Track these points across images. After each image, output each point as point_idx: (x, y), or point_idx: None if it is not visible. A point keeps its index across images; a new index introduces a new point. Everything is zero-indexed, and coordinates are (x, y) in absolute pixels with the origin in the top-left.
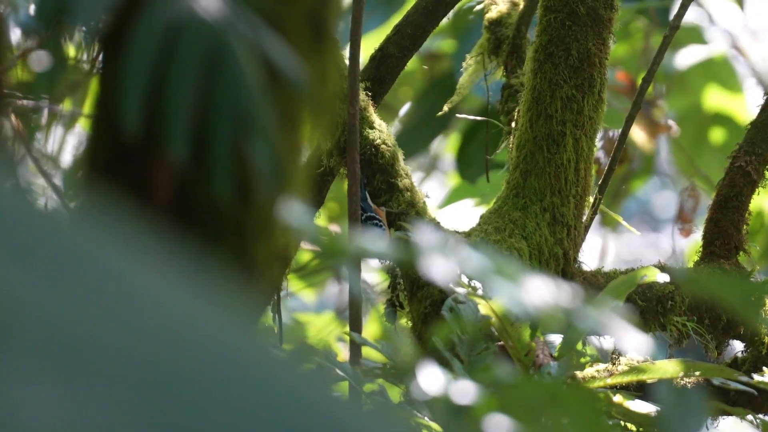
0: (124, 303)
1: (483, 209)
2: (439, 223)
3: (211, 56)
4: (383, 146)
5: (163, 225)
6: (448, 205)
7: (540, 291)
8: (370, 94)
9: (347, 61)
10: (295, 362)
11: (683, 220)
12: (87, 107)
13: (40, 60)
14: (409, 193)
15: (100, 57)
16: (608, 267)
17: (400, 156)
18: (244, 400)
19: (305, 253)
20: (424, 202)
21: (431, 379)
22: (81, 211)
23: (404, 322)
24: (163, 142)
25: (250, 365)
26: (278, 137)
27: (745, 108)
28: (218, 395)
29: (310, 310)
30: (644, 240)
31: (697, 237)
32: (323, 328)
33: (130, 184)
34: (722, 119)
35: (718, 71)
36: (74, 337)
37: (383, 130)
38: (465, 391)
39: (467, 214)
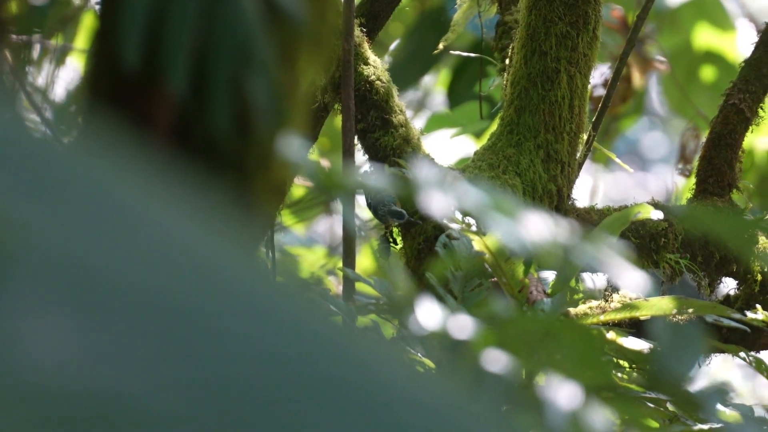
0: (130, 232)
1: (463, 140)
2: (434, 159)
3: None
4: (378, 82)
5: (163, 157)
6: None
7: (537, 227)
8: (364, 30)
9: None
10: (296, 293)
11: (685, 161)
12: (79, 42)
13: None
14: (403, 129)
15: None
16: (599, 205)
17: (395, 92)
18: (251, 330)
19: (297, 188)
20: (419, 138)
21: (428, 314)
22: (81, 141)
23: (398, 257)
24: (163, 74)
25: (255, 294)
26: (277, 72)
27: (735, 46)
28: (226, 324)
29: (301, 244)
30: (633, 179)
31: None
32: (315, 262)
33: (129, 116)
34: (713, 57)
35: (709, 9)
36: (80, 266)
37: (378, 66)
38: (463, 326)
39: (446, 144)
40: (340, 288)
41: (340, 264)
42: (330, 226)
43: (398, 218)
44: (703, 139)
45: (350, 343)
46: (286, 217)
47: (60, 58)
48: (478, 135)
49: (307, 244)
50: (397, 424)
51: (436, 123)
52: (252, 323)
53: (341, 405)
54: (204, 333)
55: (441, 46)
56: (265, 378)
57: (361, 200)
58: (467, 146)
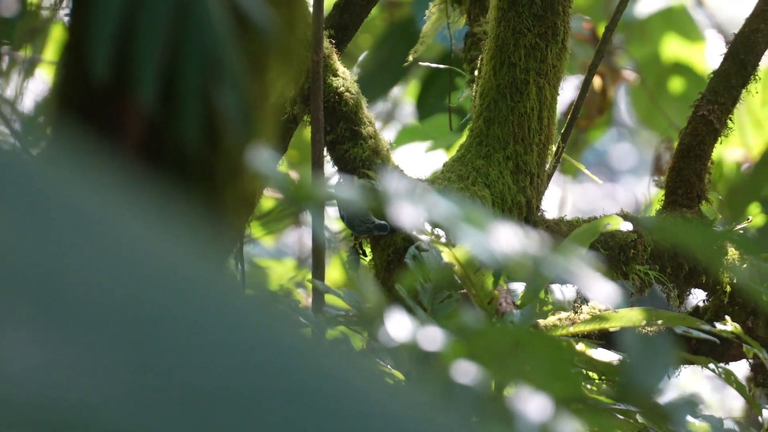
0: (99, 243)
1: (434, 153)
2: (403, 170)
3: (181, 1)
4: (347, 94)
5: (132, 168)
6: (396, 148)
7: (507, 238)
8: (333, 41)
9: (311, 8)
10: (266, 304)
11: (659, 172)
12: (48, 53)
13: (8, 6)
14: (372, 141)
15: (68, 1)
16: (568, 216)
17: (364, 104)
18: (222, 340)
19: (266, 200)
20: (388, 150)
21: (398, 325)
22: (49, 152)
23: (367, 269)
24: (132, 86)
25: (226, 305)
26: (246, 83)
27: (704, 58)
28: (198, 335)
29: (271, 256)
30: (601, 190)
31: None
32: (284, 275)
33: (98, 127)
34: (682, 69)
35: (678, 20)
36: (47, 276)
37: (347, 78)
38: (432, 338)
39: (417, 157)
40: (310, 300)
41: (310, 276)
42: (299, 238)
43: (382, 231)
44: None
45: (321, 354)
46: (255, 229)
47: (29, 69)
48: (448, 147)
49: (277, 256)
50: None
51: (406, 136)
52: (222, 334)
53: (312, 416)
54: (174, 343)
55: (410, 57)
56: (236, 389)
57: (332, 212)
58: (437, 158)
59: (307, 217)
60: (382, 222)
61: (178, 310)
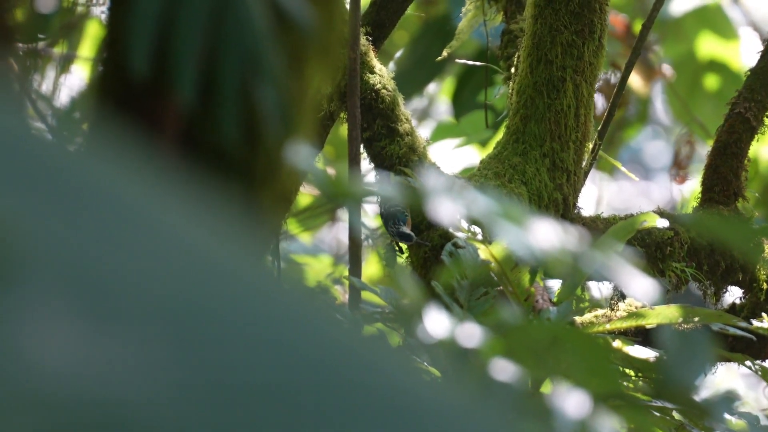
0: (140, 237)
1: (468, 149)
2: (440, 167)
3: None
4: (383, 91)
5: (172, 164)
6: (431, 144)
7: (546, 234)
8: (370, 38)
9: (348, 5)
10: (306, 299)
11: (679, 167)
12: (84, 49)
13: (44, 2)
14: (409, 138)
15: None
16: (604, 214)
17: (401, 101)
18: (263, 335)
19: (303, 197)
20: (425, 147)
21: (436, 322)
22: (88, 147)
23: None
24: (171, 83)
25: (267, 300)
26: (285, 80)
27: (739, 55)
28: (237, 330)
29: (307, 253)
30: (636, 188)
31: (691, 184)
32: (321, 271)
33: (137, 124)
34: (716, 66)
35: (713, 18)
36: (88, 271)
37: (383, 75)
38: (470, 335)
39: (451, 154)
40: (346, 297)
41: (346, 273)
42: (336, 234)
43: (407, 240)
44: (698, 145)
45: (362, 349)
46: (292, 226)
47: (64, 65)
48: (483, 144)
49: (313, 252)
50: (411, 430)
51: (442, 133)
52: (264, 329)
53: (355, 411)
54: (216, 339)
55: (445, 53)
56: (278, 384)
57: (372, 208)
58: (471, 155)
59: (344, 213)
60: (408, 232)
61: (220, 305)
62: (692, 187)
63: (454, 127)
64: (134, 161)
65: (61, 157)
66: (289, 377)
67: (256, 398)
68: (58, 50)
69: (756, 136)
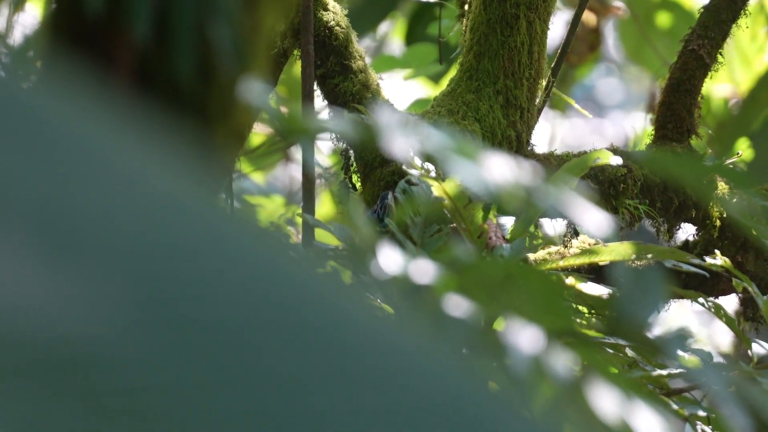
0: (97, 173)
1: (412, 83)
2: (393, 104)
3: None
4: (337, 28)
5: (126, 100)
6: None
7: (500, 169)
8: None
9: None
10: (261, 235)
11: (653, 110)
12: None
13: None
14: (362, 75)
15: None
16: (558, 151)
17: (354, 38)
18: (221, 271)
19: (255, 136)
20: (378, 84)
21: (390, 259)
22: (42, 84)
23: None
24: (126, 20)
25: (224, 236)
26: (240, 17)
27: None
28: (195, 266)
29: (260, 192)
30: (589, 126)
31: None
32: (274, 211)
33: (91, 61)
34: (669, 4)
35: None
36: (46, 208)
37: (337, 12)
38: (424, 271)
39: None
40: (299, 238)
41: (299, 212)
42: (289, 174)
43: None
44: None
45: (317, 285)
46: (244, 165)
47: (18, 3)
48: (433, 79)
49: (266, 192)
50: (368, 367)
51: (384, 64)
52: (220, 265)
53: (309, 347)
54: (173, 275)
55: None
56: (235, 321)
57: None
58: (418, 89)
59: (297, 152)
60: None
61: (178, 242)
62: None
63: (397, 59)
64: (89, 98)
65: (15, 95)
66: (245, 314)
67: (213, 334)
68: None
69: (709, 73)
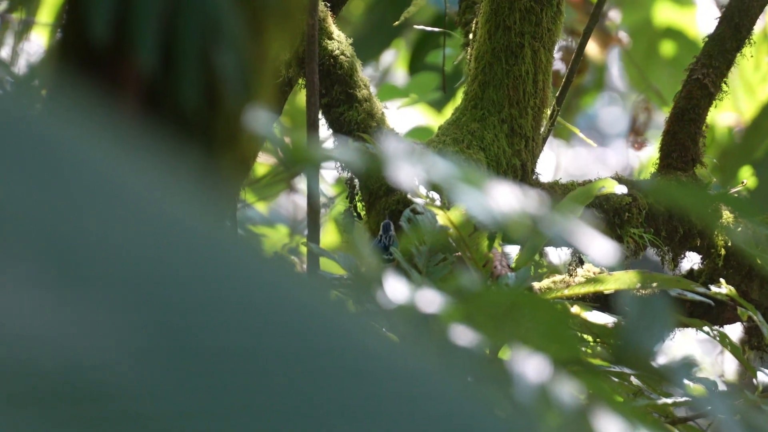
0: (104, 200)
1: (414, 111)
2: (398, 133)
3: None
4: (342, 57)
5: (132, 128)
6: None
7: (506, 197)
8: (328, 4)
9: None
10: (274, 263)
11: (636, 133)
12: (42, 16)
13: None
14: (367, 104)
15: None
16: (562, 180)
17: (359, 67)
18: (232, 299)
19: (259, 166)
20: (383, 113)
21: (395, 288)
22: (48, 112)
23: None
24: (132, 47)
25: (234, 263)
26: (245, 45)
27: (695, 22)
28: (207, 294)
29: (264, 222)
30: (592, 154)
31: (649, 151)
32: (278, 241)
33: (97, 89)
34: (673, 33)
35: None
36: (55, 235)
37: (342, 41)
38: (429, 300)
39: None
40: (304, 267)
41: (304, 242)
42: (293, 204)
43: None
44: (654, 112)
45: (327, 312)
46: (248, 195)
47: (23, 32)
48: (435, 107)
49: (270, 222)
50: (381, 392)
51: (387, 93)
52: (230, 292)
53: (319, 373)
54: (182, 303)
55: (402, 18)
56: (249, 347)
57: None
58: (420, 117)
59: (301, 182)
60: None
61: (188, 270)
62: (650, 154)
63: (399, 89)
64: (96, 125)
65: (24, 122)
66: (256, 340)
67: (221, 361)
68: (16, 16)
69: (714, 102)
